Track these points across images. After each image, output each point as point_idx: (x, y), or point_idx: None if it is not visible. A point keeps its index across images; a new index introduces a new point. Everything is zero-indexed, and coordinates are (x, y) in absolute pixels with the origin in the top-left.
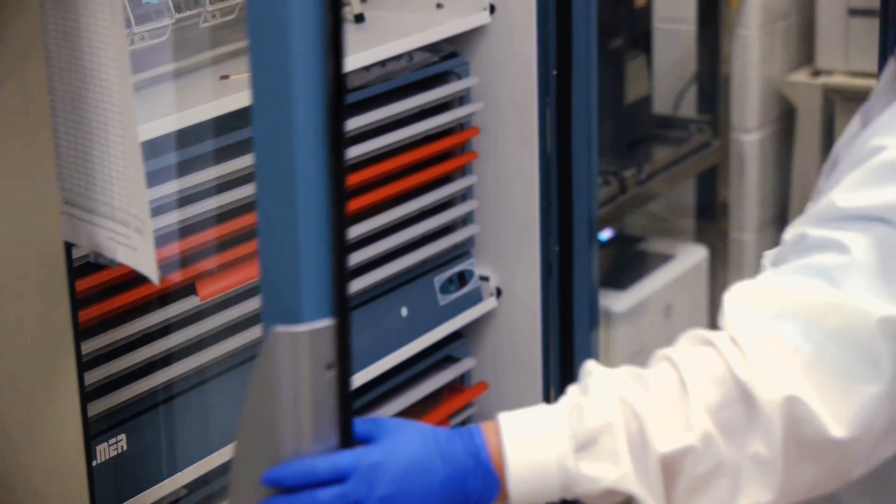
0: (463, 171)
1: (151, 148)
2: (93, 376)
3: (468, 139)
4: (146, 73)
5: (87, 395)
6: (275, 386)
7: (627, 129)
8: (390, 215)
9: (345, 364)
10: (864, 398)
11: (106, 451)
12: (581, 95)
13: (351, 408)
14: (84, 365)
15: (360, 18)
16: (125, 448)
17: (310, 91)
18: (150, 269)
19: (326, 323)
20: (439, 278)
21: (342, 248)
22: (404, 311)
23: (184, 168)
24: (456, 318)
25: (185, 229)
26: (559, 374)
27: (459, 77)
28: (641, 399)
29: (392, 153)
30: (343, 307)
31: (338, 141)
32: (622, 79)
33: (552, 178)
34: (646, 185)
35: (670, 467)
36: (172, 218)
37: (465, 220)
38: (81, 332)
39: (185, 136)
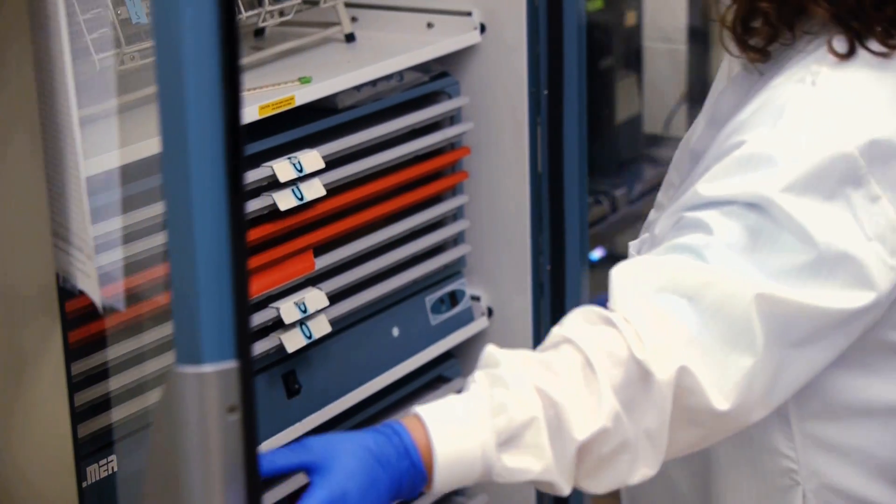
0: (454, 190)
1: (144, 168)
2: (83, 397)
3: (459, 159)
4: (138, 92)
5: (78, 415)
6: (176, 426)
7: (618, 149)
8: (381, 235)
9: (249, 407)
10: (742, 371)
11: (96, 472)
12: (572, 115)
13: (257, 452)
14: (75, 386)
15: (350, 38)
16: (116, 469)
17: (205, 135)
18: (96, 296)
19: (229, 365)
20: (430, 298)
21: (243, 289)
22: (395, 332)
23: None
24: (447, 338)
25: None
26: None
27: (450, 96)
28: (555, 387)
29: (382, 173)
30: (246, 349)
31: (237, 186)
32: (613, 98)
33: (543, 198)
34: (637, 205)
35: (583, 449)
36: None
37: (456, 240)
38: (72, 353)
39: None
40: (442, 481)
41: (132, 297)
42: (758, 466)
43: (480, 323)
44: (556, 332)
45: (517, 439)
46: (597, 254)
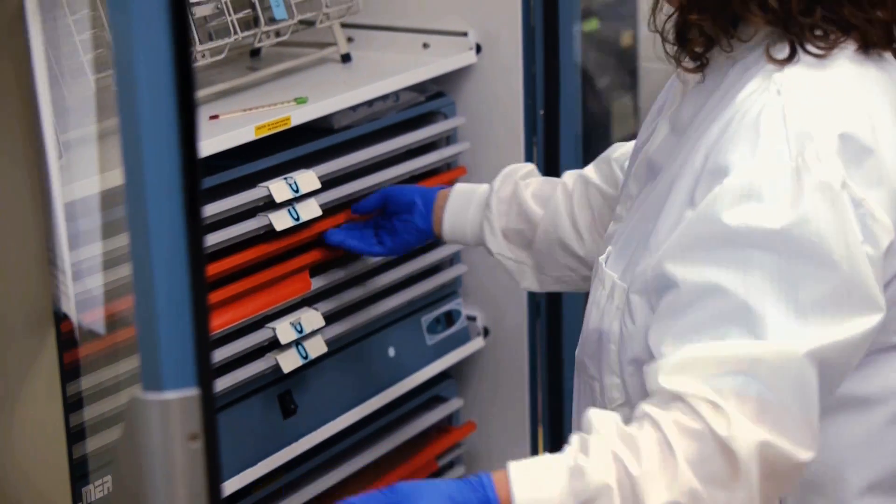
0: None
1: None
2: (78, 418)
3: (455, 179)
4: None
5: (73, 436)
6: (138, 453)
7: None
8: None
9: (211, 436)
10: (812, 422)
11: (92, 492)
12: (568, 135)
13: (220, 480)
14: (70, 406)
15: (346, 58)
16: (111, 489)
17: (162, 166)
18: (75, 319)
19: (190, 392)
20: (426, 318)
21: (204, 317)
22: (392, 352)
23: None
24: (443, 358)
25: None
26: (547, 413)
27: (446, 117)
28: (633, 461)
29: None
30: (207, 377)
31: (194, 216)
32: (609, 118)
33: None
34: None
35: None
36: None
37: (452, 260)
38: (67, 374)
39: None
40: None
41: (113, 321)
42: None
43: (476, 343)
44: (643, 408)
45: (592, 502)
46: None
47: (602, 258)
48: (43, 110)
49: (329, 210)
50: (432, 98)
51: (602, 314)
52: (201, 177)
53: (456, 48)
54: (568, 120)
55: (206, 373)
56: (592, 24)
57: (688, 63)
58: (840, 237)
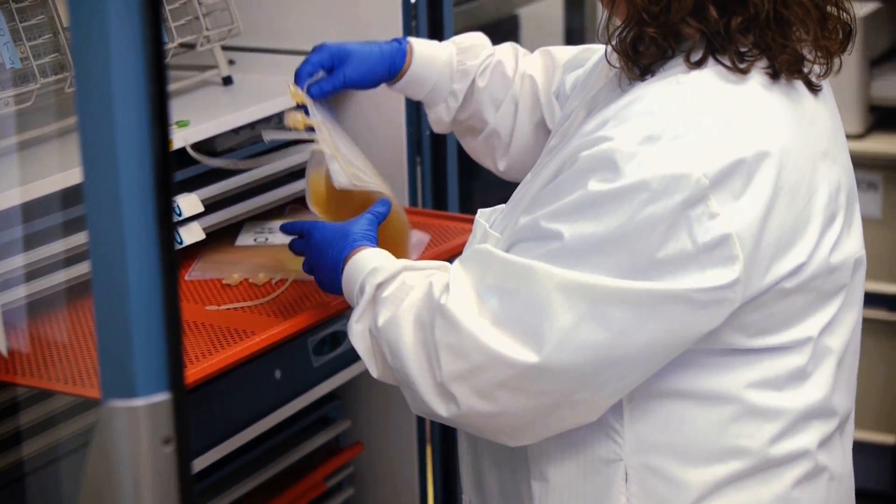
0: None
1: (24, 214)
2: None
3: None
4: (12, 138)
5: None
6: (111, 461)
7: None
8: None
9: (183, 439)
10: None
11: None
12: (453, 147)
13: (192, 483)
14: None
15: (228, 81)
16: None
17: (135, 166)
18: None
19: (163, 397)
20: (312, 340)
21: (176, 321)
22: (278, 374)
23: (52, 235)
24: (330, 380)
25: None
26: (435, 433)
27: None
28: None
29: (266, 214)
30: (179, 381)
31: (166, 214)
32: None
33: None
34: None
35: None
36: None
37: None
38: None
39: (55, 202)
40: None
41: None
42: (583, 435)
43: (362, 364)
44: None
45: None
46: None
47: (486, 211)
48: None
49: (213, 234)
50: None
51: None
52: (173, 171)
53: None
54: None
55: (180, 376)
56: None
57: (635, 72)
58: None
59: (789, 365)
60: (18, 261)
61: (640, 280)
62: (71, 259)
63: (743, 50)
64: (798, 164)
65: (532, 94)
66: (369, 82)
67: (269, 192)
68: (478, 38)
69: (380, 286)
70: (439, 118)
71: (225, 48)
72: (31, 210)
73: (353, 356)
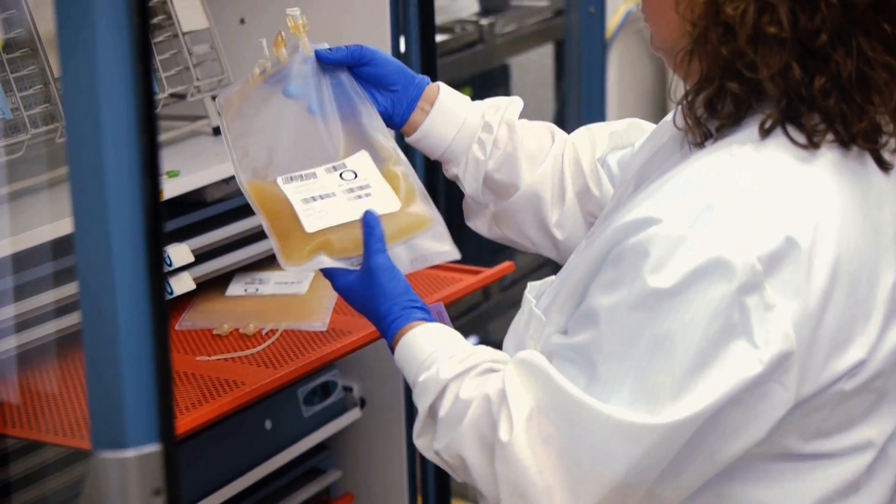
0: None
1: (14, 264)
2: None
3: None
4: (3, 189)
5: None
6: None
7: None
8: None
9: (173, 490)
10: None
11: None
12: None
13: None
14: None
15: (217, 131)
16: None
17: (126, 217)
18: None
19: (153, 448)
20: (303, 390)
21: (166, 372)
22: (268, 424)
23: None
24: (320, 430)
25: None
26: (425, 483)
27: None
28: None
29: (257, 264)
30: (170, 432)
31: (157, 265)
32: None
33: None
34: (510, 291)
35: None
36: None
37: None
38: None
39: (46, 252)
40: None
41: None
42: None
43: (353, 414)
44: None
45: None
46: (471, 342)
47: (536, 285)
48: None
49: (203, 284)
50: None
51: (518, 337)
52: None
53: None
54: None
55: (170, 427)
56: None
57: (697, 136)
58: (712, 329)
59: (846, 474)
60: (9, 311)
61: (694, 393)
62: (61, 309)
63: (814, 123)
64: (861, 250)
65: (574, 159)
66: (385, 82)
67: (259, 243)
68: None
69: (432, 407)
70: (465, 172)
71: (215, 98)
72: (21, 260)
73: (343, 406)
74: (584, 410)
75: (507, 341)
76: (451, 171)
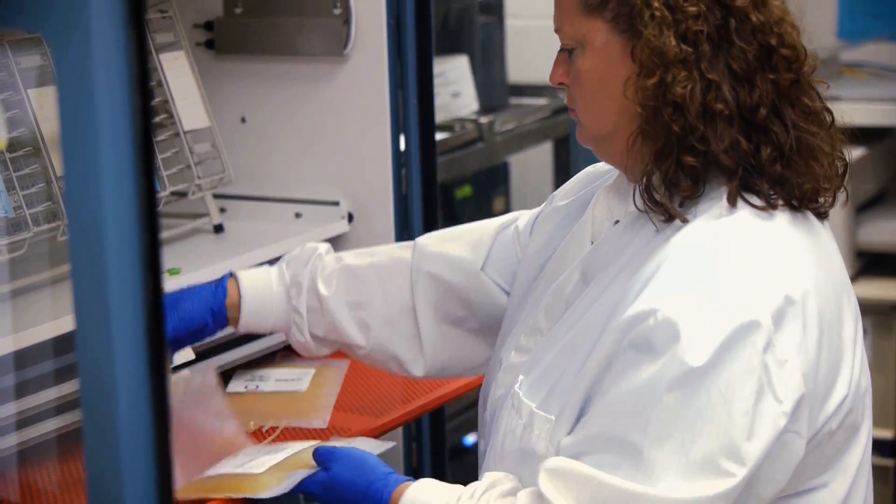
0: None
1: (16, 361)
2: None
3: None
4: (5, 286)
5: None
6: None
7: None
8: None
9: None
10: None
11: None
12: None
13: None
14: None
15: (219, 229)
16: None
17: (128, 314)
18: None
19: None
20: None
21: (167, 470)
22: None
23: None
24: None
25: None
26: None
27: None
28: None
29: (257, 361)
30: None
31: (158, 363)
32: None
33: None
34: None
35: None
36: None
37: None
38: None
39: (48, 350)
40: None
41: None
42: None
43: None
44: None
45: None
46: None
47: (516, 387)
48: None
49: None
50: None
51: (519, 439)
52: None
53: (328, 217)
54: None
55: None
56: (465, 191)
57: (661, 217)
58: (747, 390)
59: (837, 494)
60: (10, 408)
61: (743, 454)
62: (63, 407)
63: (766, 188)
64: (829, 297)
65: (435, 288)
66: (192, 328)
67: (259, 340)
68: (306, 247)
69: None
70: (298, 342)
71: (216, 196)
72: (23, 358)
73: None
74: (639, 500)
75: (507, 443)
76: (292, 339)
